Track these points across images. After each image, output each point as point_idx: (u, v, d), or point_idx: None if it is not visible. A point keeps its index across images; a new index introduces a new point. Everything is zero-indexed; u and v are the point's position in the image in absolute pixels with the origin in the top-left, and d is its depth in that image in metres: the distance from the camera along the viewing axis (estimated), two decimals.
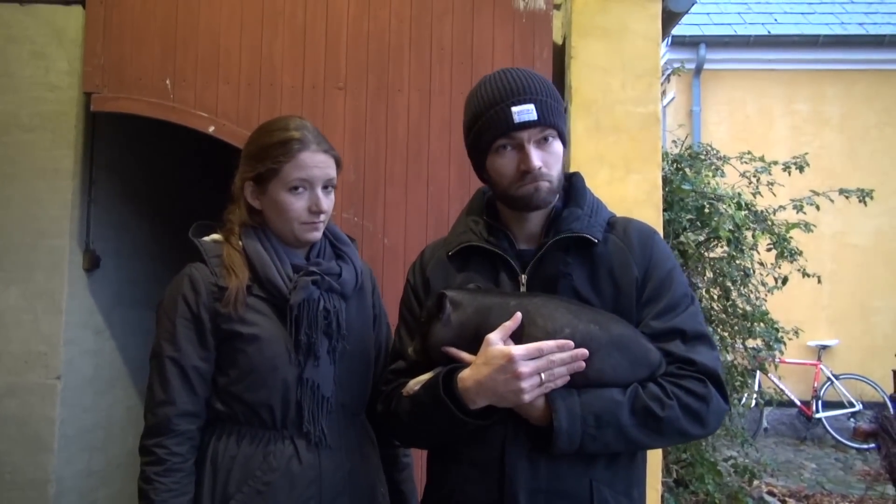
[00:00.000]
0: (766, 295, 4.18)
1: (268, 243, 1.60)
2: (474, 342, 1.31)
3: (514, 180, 1.38)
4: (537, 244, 1.43)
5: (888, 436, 4.37)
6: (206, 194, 3.46)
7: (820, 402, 7.44)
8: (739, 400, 4.35)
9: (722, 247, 3.90)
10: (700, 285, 3.97)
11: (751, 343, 4.11)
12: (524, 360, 1.25)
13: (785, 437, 7.49)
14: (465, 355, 1.33)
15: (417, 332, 1.42)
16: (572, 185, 1.49)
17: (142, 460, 1.52)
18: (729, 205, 3.85)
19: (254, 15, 2.78)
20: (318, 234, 1.62)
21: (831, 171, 7.14)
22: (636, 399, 1.29)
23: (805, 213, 4.27)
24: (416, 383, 1.38)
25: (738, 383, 4.10)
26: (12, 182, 2.77)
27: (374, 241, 2.69)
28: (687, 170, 4.02)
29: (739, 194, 4.04)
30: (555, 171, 1.39)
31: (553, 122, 1.38)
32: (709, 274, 4.00)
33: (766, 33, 8.26)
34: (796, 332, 4.44)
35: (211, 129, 2.73)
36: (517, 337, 1.30)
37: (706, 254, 3.94)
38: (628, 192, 2.70)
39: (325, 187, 1.59)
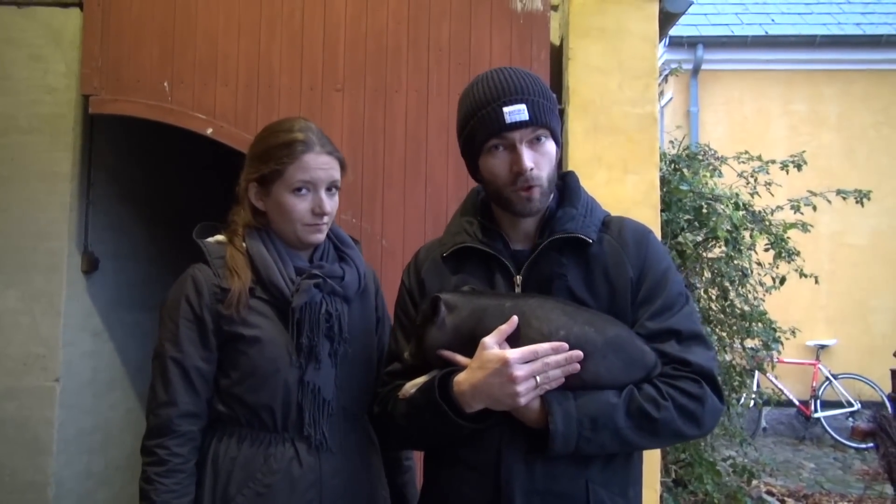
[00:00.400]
0: (764, 295, 4.18)
1: (271, 245, 1.60)
2: (470, 344, 1.31)
3: (507, 182, 1.38)
4: (532, 245, 1.43)
5: (886, 435, 4.38)
6: (205, 196, 3.46)
7: (818, 402, 7.45)
8: (738, 400, 4.35)
9: (720, 247, 3.91)
10: (698, 285, 3.98)
11: (749, 343, 4.11)
12: (519, 363, 1.25)
13: (783, 437, 7.50)
14: (460, 358, 1.33)
15: (413, 335, 1.42)
16: (566, 184, 1.49)
17: (143, 461, 1.52)
18: (727, 205, 3.85)
19: (251, 17, 2.78)
20: (321, 236, 1.62)
21: (829, 171, 7.16)
22: (631, 401, 1.29)
23: (802, 213, 4.27)
24: (412, 386, 1.38)
25: (736, 383, 4.10)
26: (10, 184, 2.77)
27: (373, 243, 2.69)
28: (685, 170, 4.03)
29: (737, 194, 4.04)
30: (546, 172, 1.38)
31: (545, 121, 1.37)
32: (707, 274, 4.01)
33: (763, 34, 8.28)
34: (793, 332, 4.44)
35: (209, 130, 2.73)
36: (512, 338, 1.30)
37: (704, 254, 3.94)
38: (626, 192, 2.70)
39: (328, 189, 1.59)
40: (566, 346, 1.27)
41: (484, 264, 1.44)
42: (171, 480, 1.49)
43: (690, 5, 3.03)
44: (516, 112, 1.35)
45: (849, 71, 8.16)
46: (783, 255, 4.05)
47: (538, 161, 1.37)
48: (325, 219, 1.59)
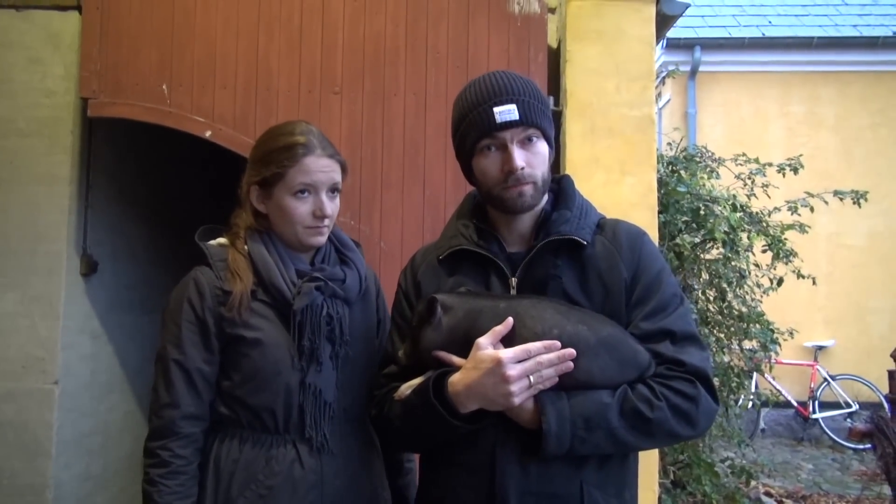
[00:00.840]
0: (761, 296, 4.20)
1: (273, 248, 1.61)
2: (465, 345, 1.32)
3: (499, 181, 1.39)
4: (527, 247, 1.44)
5: (884, 436, 4.39)
6: (204, 199, 3.47)
7: (816, 403, 7.46)
8: (736, 401, 4.35)
9: (717, 248, 3.92)
10: (696, 287, 3.99)
11: (747, 344, 4.12)
12: (512, 362, 1.26)
13: (782, 438, 7.51)
14: (455, 359, 1.34)
15: (408, 336, 1.42)
16: (561, 187, 1.50)
17: (146, 462, 1.52)
18: (724, 207, 3.86)
19: (250, 19, 2.78)
20: (322, 239, 1.63)
21: (826, 173, 7.16)
22: (625, 401, 1.30)
23: (800, 214, 4.28)
24: (407, 387, 1.39)
25: (734, 384, 4.10)
26: (9, 187, 2.77)
27: (371, 245, 2.69)
28: (682, 172, 4.04)
29: (735, 196, 4.05)
30: (539, 172, 1.39)
31: (536, 121, 1.38)
32: (704, 276, 4.02)
33: (760, 35, 8.29)
34: (791, 333, 4.45)
35: (207, 133, 2.73)
36: (507, 339, 1.31)
37: (702, 255, 3.95)
38: (623, 194, 2.71)
39: (329, 192, 1.60)
40: (558, 344, 1.28)
41: (480, 266, 1.45)
42: (174, 482, 1.49)
43: (687, 7, 3.04)
44: (506, 112, 1.36)
45: (846, 72, 8.17)
46: (781, 256, 4.06)
47: (530, 160, 1.38)
48: (326, 221, 1.60)
